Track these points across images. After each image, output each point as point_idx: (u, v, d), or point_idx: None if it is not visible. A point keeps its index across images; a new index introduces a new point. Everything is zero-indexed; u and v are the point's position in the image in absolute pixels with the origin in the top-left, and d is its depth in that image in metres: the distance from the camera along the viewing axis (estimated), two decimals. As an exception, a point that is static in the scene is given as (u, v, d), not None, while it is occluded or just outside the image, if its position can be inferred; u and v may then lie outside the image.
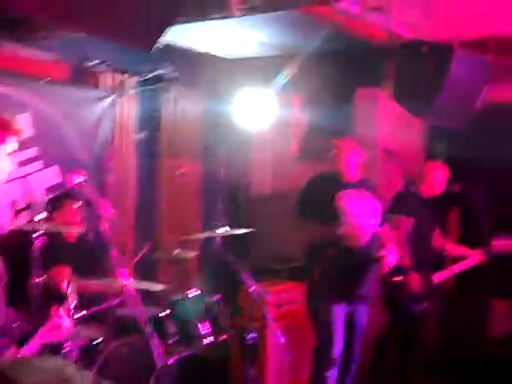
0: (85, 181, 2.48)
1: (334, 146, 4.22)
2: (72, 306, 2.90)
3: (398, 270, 4.23)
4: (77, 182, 2.49)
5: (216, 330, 4.00)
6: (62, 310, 2.57)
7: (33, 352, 2.51)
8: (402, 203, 4.36)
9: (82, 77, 5.08)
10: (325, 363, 4.04)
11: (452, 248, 4.67)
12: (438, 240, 4.53)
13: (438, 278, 4.40)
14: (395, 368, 4.45)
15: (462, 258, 4.56)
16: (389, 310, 4.41)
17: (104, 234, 2.42)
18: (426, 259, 4.41)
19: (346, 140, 4.31)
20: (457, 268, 4.50)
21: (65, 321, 2.57)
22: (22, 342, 2.44)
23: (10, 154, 2.42)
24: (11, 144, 2.43)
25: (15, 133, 2.43)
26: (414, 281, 4.24)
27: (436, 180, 4.43)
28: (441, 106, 4.24)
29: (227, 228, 4.16)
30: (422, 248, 4.39)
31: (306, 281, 4.25)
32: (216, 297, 4.08)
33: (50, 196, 4.34)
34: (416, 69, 4.19)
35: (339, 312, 4.07)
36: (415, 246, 4.32)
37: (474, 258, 4.50)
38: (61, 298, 2.89)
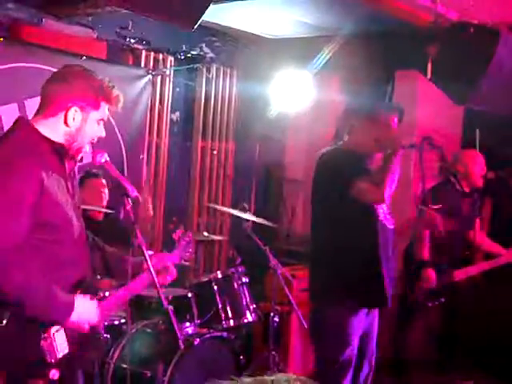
0: (106, 160, 2.45)
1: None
2: None
3: (415, 264, 4.15)
4: (102, 161, 2.46)
5: (241, 312, 3.97)
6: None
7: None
8: (441, 196, 4.24)
9: (121, 55, 5.09)
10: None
11: (487, 243, 4.54)
12: (477, 234, 4.42)
13: (463, 273, 4.28)
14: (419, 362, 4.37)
15: (493, 255, 4.45)
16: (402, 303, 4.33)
17: (128, 213, 2.40)
18: (456, 255, 4.31)
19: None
20: (487, 265, 4.39)
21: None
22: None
23: (99, 119, 2.37)
24: (104, 111, 2.37)
25: (110, 101, 2.36)
26: (429, 276, 4.13)
27: (477, 172, 4.32)
28: (484, 92, 4.10)
29: (256, 211, 4.12)
30: (455, 243, 4.29)
31: None
32: (242, 280, 4.06)
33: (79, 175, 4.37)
34: (461, 52, 4.06)
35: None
36: (449, 241, 4.21)
37: (505, 257, 4.38)
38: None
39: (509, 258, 4.36)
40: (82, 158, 2.42)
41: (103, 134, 2.41)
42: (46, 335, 2.23)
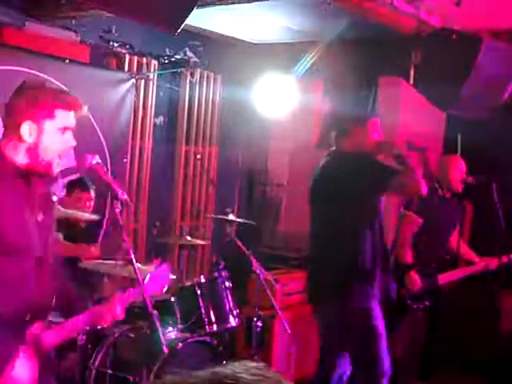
0: (98, 163, 2.42)
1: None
2: None
3: (399, 267, 4.19)
4: (93, 163, 2.44)
5: (224, 317, 3.96)
6: (117, 298, 2.43)
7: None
8: (423, 201, 4.27)
9: (104, 58, 5.06)
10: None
11: (463, 249, 4.58)
12: (454, 239, 4.46)
13: (446, 277, 4.32)
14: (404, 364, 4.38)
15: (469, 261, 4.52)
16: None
17: (116, 217, 2.38)
18: (438, 259, 4.33)
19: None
20: (469, 270, 4.44)
21: (112, 312, 2.42)
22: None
23: (61, 129, 2.23)
24: (63, 119, 2.23)
25: (67, 106, 2.24)
26: (414, 280, 4.16)
27: (457, 178, 4.35)
28: (467, 97, 4.14)
29: (239, 216, 4.13)
30: (436, 247, 4.32)
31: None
32: (226, 284, 4.05)
33: (65, 180, 4.34)
34: (443, 58, 4.10)
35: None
36: (430, 245, 4.24)
37: (479, 265, 4.43)
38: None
39: (484, 266, 4.42)
40: (56, 176, 2.30)
41: (73, 144, 2.28)
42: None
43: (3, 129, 2.30)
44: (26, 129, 2.20)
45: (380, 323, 3.49)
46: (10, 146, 2.23)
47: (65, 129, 2.25)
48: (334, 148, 3.59)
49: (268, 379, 1.10)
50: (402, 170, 3.40)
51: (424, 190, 3.42)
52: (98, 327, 3.22)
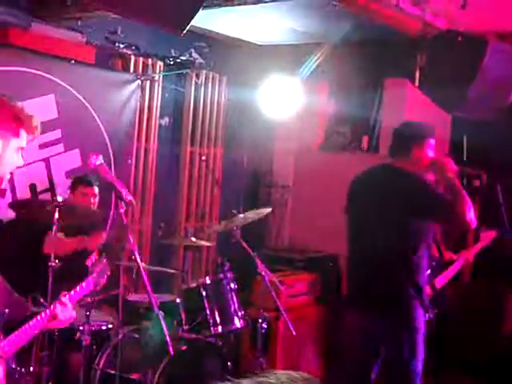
0: (101, 163, 2.42)
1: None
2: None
3: None
4: (97, 163, 2.44)
5: (229, 318, 3.97)
6: (67, 297, 2.49)
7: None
8: None
9: (110, 59, 5.07)
10: None
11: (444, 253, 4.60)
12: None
13: (442, 279, 4.32)
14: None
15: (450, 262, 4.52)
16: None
17: (121, 216, 2.38)
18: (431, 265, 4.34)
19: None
20: (451, 271, 4.45)
21: (65, 312, 2.46)
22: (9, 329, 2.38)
23: (19, 148, 2.29)
24: (23, 139, 2.29)
25: (30, 129, 2.29)
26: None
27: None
28: (473, 99, 4.13)
29: (244, 216, 4.13)
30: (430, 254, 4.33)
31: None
32: (231, 285, 4.05)
33: (70, 179, 4.36)
34: (449, 60, 4.09)
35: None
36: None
37: (460, 259, 4.42)
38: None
39: (465, 260, 4.44)
40: (5, 191, 2.33)
41: (22, 163, 2.34)
42: None
43: None
44: None
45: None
46: None
47: (21, 148, 2.31)
48: (389, 162, 3.53)
49: None
50: (453, 201, 3.27)
51: (474, 225, 3.27)
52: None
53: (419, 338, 3.37)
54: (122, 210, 2.42)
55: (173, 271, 4.24)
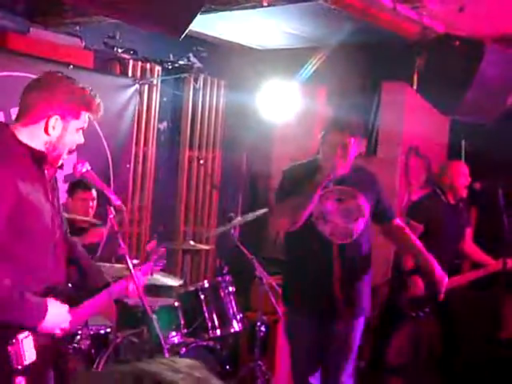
0: (87, 170, 2.41)
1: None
2: None
3: (401, 273, 4.18)
4: (83, 171, 2.43)
5: (227, 322, 3.96)
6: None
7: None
8: (427, 208, 4.28)
9: (108, 64, 5.08)
10: None
11: (477, 253, 4.56)
12: (467, 244, 4.45)
13: (451, 283, 4.30)
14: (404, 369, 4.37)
15: (481, 264, 4.48)
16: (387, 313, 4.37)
17: (111, 222, 2.37)
18: (447, 264, 4.33)
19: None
20: (474, 275, 4.41)
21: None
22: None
23: (79, 128, 2.33)
24: (83, 121, 2.33)
25: (91, 110, 2.33)
26: (417, 284, 4.15)
27: (462, 184, 4.35)
28: (470, 102, 4.15)
29: (242, 219, 4.13)
30: (443, 253, 4.31)
31: None
32: (229, 289, 4.05)
33: (68, 184, 4.37)
34: (446, 63, 4.10)
35: None
36: (437, 251, 4.23)
37: (492, 266, 4.36)
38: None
39: (495, 268, 4.38)
40: (62, 164, 2.38)
41: (82, 141, 2.38)
42: (13, 341, 2.16)
43: (17, 114, 2.33)
44: (53, 123, 2.27)
45: None
46: (27, 132, 2.28)
47: (81, 129, 2.35)
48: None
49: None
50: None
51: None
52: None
53: None
54: (111, 216, 2.42)
55: (171, 275, 4.22)
